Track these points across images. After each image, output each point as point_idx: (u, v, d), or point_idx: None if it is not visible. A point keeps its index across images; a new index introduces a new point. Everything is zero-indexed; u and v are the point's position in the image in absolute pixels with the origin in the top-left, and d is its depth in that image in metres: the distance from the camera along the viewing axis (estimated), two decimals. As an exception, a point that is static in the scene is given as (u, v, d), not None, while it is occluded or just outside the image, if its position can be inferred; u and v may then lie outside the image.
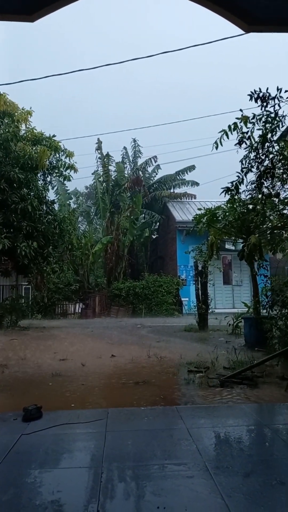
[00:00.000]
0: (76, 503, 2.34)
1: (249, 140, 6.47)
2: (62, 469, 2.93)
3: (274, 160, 6.50)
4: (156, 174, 26.72)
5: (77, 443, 3.38)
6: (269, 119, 6.44)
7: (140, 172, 25.39)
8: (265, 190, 6.89)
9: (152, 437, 3.41)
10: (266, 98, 6.30)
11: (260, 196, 6.98)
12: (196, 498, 2.36)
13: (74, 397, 4.83)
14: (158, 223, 24.66)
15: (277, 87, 6.20)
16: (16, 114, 12.84)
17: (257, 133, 6.55)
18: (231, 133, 6.42)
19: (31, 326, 13.80)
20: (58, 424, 3.65)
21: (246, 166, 6.58)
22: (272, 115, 6.40)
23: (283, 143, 6.75)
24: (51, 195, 19.88)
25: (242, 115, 6.36)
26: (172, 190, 25.18)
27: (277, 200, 7.24)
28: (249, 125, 6.44)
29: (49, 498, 2.40)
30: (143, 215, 25.38)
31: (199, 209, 9.40)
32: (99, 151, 23.94)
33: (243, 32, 5.01)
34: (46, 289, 19.11)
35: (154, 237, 26.34)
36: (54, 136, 13.65)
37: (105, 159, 23.69)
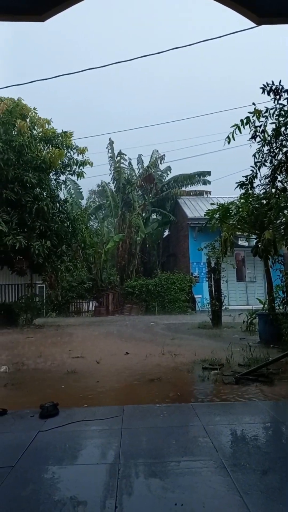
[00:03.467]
0: (94, 499, 2.36)
1: (262, 134, 6.37)
2: (80, 465, 2.95)
3: (288, 154, 6.40)
4: (169, 173, 26.62)
5: (93, 440, 3.41)
6: (283, 112, 6.33)
7: (152, 170, 25.30)
8: (279, 184, 6.79)
9: (168, 434, 3.41)
10: (279, 91, 6.19)
11: (274, 190, 6.88)
12: (213, 495, 2.35)
13: (89, 394, 4.86)
14: (170, 221, 24.60)
15: (290, 79, 6.09)
16: (29, 116, 12.93)
17: (270, 127, 6.45)
18: (244, 127, 6.33)
19: (46, 324, 13.97)
20: (74, 421, 3.69)
21: (260, 160, 6.49)
22: (286, 108, 6.29)
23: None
24: (64, 194, 20.06)
25: (255, 108, 6.27)
26: (184, 188, 25.04)
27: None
28: (262, 118, 6.34)
29: (67, 494, 2.43)
30: (155, 213, 25.35)
31: (212, 203, 9.31)
32: (110, 150, 23.99)
33: (254, 25, 4.96)
34: (60, 288, 19.31)
35: (166, 234, 26.30)
36: (65, 132, 13.70)
37: (118, 157, 23.71)
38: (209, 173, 25.06)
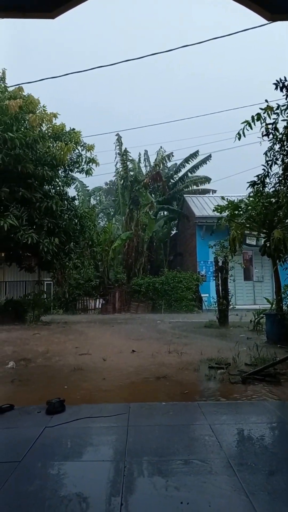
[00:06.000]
0: (100, 495, 2.37)
1: (274, 131, 6.29)
2: (86, 462, 2.96)
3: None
4: (178, 172, 26.67)
5: (99, 437, 3.41)
6: (294, 109, 6.25)
7: (160, 168, 25.27)
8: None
9: (174, 432, 3.41)
10: (291, 88, 6.11)
11: (285, 189, 6.80)
12: (219, 494, 2.34)
13: (95, 391, 4.88)
14: (177, 219, 24.56)
15: (303, 76, 6.01)
16: (37, 112, 12.95)
17: (281, 124, 6.37)
18: (254, 124, 6.25)
19: (53, 321, 14.04)
20: (80, 417, 3.70)
21: (271, 158, 6.42)
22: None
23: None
24: (71, 191, 20.16)
25: (267, 105, 6.19)
26: (191, 187, 25.16)
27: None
28: (273, 116, 6.26)
29: (73, 490, 2.43)
30: (162, 211, 25.35)
31: (222, 198, 9.20)
32: (118, 147, 23.95)
33: (266, 22, 4.91)
34: (67, 285, 19.40)
35: (173, 233, 26.25)
36: (73, 129, 13.76)
37: (124, 155, 23.68)
38: (209, 157, 25.19)
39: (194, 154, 25.26)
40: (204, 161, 25.23)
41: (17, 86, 12.41)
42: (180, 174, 26.42)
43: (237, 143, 6.43)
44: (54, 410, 3.85)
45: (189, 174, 25.86)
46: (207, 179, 26.09)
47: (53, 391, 4.65)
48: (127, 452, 2.96)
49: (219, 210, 8.30)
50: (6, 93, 12.44)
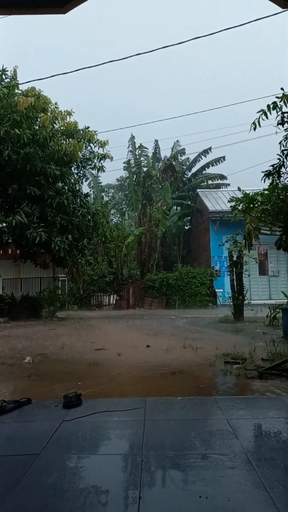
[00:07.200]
0: (118, 488, 2.37)
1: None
2: (103, 455, 2.97)
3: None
4: (191, 168, 26.52)
5: (116, 431, 3.43)
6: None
7: (172, 160, 25.16)
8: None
9: (192, 426, 3.39)
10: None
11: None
12: (238, 489, 2.32)
13: (111, 386, 4.90)
14: (191, 214, 24.41)
15: None
16: (50, 109, 12.98)
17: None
18: (270, 113, 6.11)
19: (68, 317, 14.18)
20: (97, 411, 3.72)
21: (286, 148, 6.28)
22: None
23: None
24: (84, 188, 20.23)
25: (283, 94, 6.04)
26: (206, 182, 25.02)
27: None
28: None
29: (91, 483, 2.45)
30: (176, 206, 25.24)
31: (239, 189, 8.93)
32: (131, 144, 23.92)
33: (281, 10, 4.78)
34: (81, 281, 19.55)
35: (187, 228, 26.11)
36: (88, 127, 13.77)
37: (138, 151, 23.62)
38: (223, 158, 25.15)
39: (207, 151, 25.10)
40: (217, 160, 25.05)
41: (30, 87, 12.48)
42: (193, 170, 26.25)
43: (251, 135, 6.32)
44: (71, 404, 3.88)
45: (203, 171, 25.68)
46: (221, 177, 25.84)
47: (69, 385, 4.69)
48: (144, 445, 2.96)
49: (234, 201, 8.09)
50: (17, 90, 12.46)
